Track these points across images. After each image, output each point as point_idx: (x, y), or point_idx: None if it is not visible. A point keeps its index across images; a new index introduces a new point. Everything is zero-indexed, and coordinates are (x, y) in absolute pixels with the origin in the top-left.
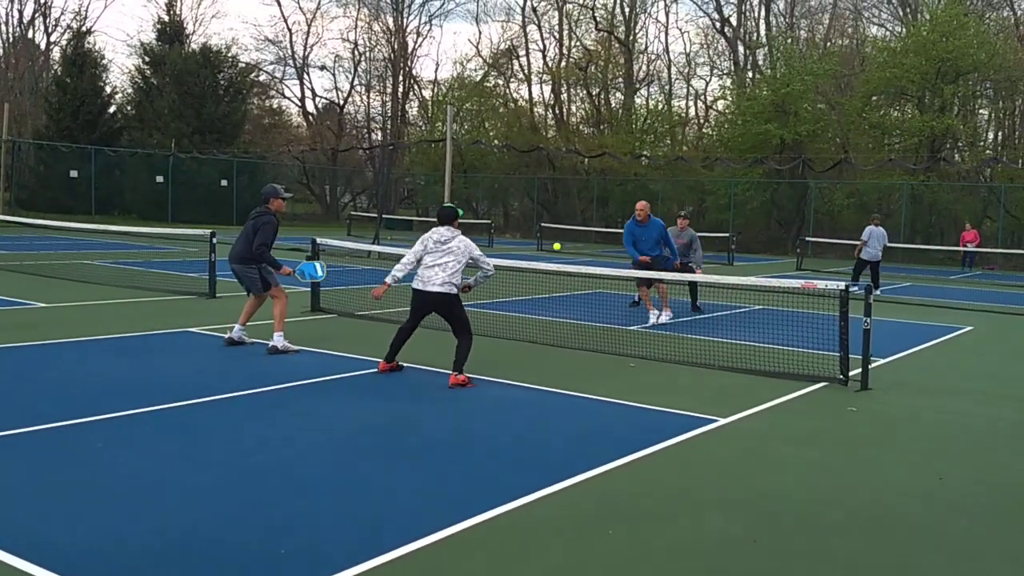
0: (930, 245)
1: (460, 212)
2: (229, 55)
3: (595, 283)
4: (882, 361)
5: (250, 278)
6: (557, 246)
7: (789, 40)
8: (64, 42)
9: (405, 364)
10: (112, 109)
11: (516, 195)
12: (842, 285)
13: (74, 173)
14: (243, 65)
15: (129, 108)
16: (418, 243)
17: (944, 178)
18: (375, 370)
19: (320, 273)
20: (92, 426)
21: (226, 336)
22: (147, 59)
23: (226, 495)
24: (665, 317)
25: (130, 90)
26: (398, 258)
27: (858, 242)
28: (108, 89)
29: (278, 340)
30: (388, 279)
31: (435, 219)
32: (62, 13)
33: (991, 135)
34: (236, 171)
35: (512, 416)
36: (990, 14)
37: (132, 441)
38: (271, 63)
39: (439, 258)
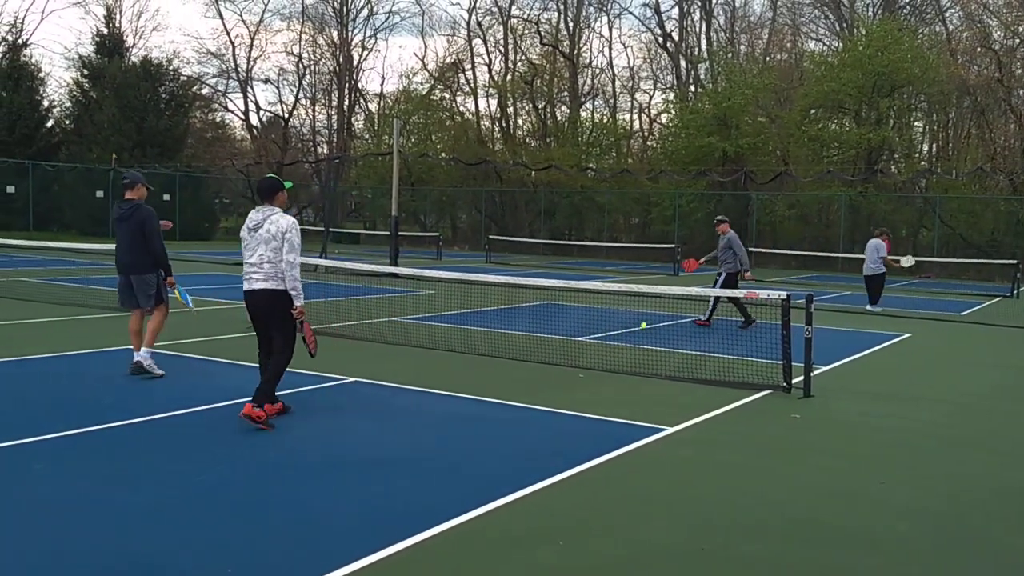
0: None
1: (288, 184)
2: (170, 68)
3: (544, 295)
4: (824, 368)
5: (146, 289)
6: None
7: (729, 55)
8: None
9: (354, 379)
10: (50, 123)
11: (464, 208)
12: (783, 294)
13: (11, 189)
14: (185, 78)
15: (67, 122)
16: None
17: (881, 189)
18: (325, 385)
19: (190, 303)
20: (33, 447)
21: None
22: (86, 72)
23: (165, 517)
24: None
25: (68, 104)
26: (345, 272)
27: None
28: (45, 103)
29: (145, 356)
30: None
31: (383, 232)
32: None
33: (925, 147)
34: (179, 185)
35: (460, 430)
36: (923, 29)
37: (72, 462)
38: (214, 76)
39: (253, 250)
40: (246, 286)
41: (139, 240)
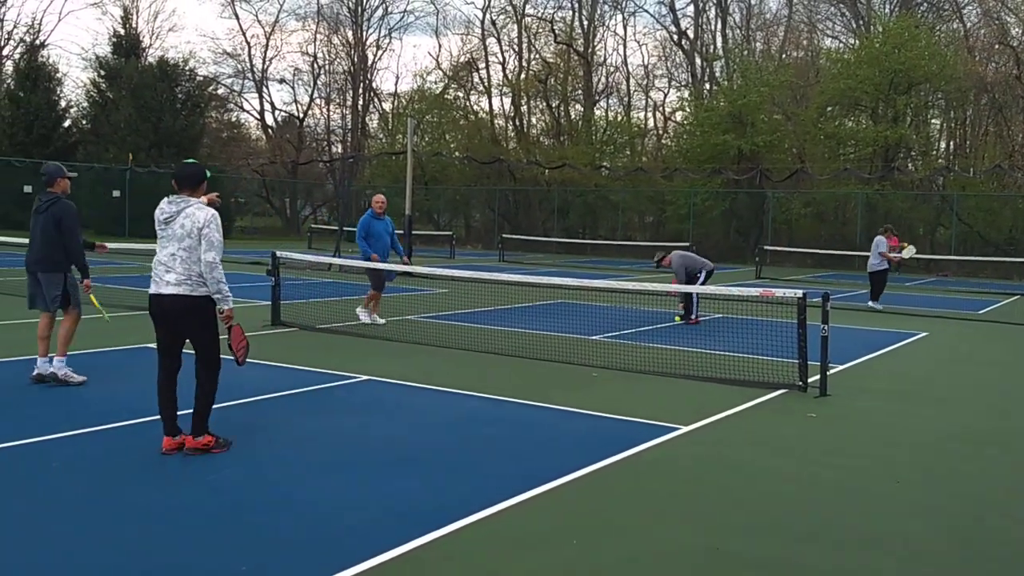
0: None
1: (208, 174)
2: (186, 68)
3: (558, 294)
4: (840, 367)
5: (52, 290)
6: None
7: (745, 52)
8: (17, 56)
9: (368, 377)
10: (67, 123)
11: (477, 206)
12: (800, 293)
13: (28, 188)
14: (201, 78)
15: (84, 122)
16: None
17: (898, 187)
18: (339, 383)
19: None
20: (45, 446)
21: (34, 373)
22: (103, 72)
23: (175, 515)
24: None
25: (85, 104)
26: (358, 270)
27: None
28: (63, 103)
29: (59, 366)
30: None
31: (398, 231)
32: (15, 27)
33: (943, 145)
34: None
35: (472, 429)
36: (940, 26)
37: (83, 461)
38: (229, 76)
39: (163, 247)
40: (153, 288)
41: (51, 235)
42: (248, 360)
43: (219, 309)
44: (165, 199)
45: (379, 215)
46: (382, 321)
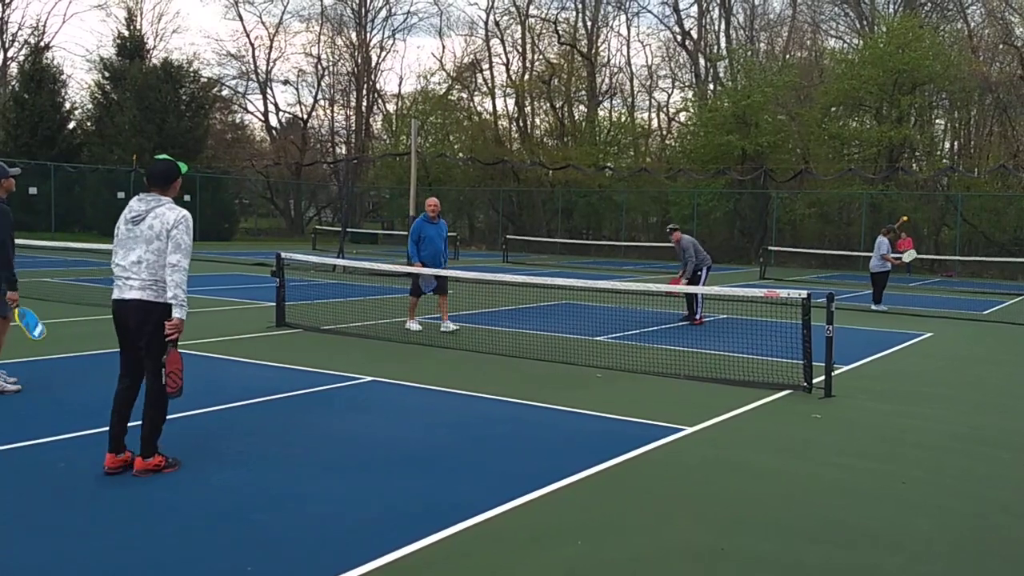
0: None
1: (183, 168)
2: (191, 70)
3: (562, 294)
4: (845, 368)
5: None
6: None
7: (749, 52)
8: (22, 58)
9: (372, 378)
10: (72, 125)
11: (481, 208)
12: (804, 293)
13: (33, 190)
14: (205, 80)
15: (89, 124)
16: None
17: (902, 187)
18: (344, 384)
19: (36, 332)
20: (53, 445)
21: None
22: (107, 74)
23: (182, 516)
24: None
25: (90, 106)
26: (363, 271)
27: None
28: (67, 105)
29: None
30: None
31: (402, 232)
32: (19, 28)
33: (947, 145)
34: (199, 186)
35: (477, 429)
36: (944, 26)
37: (89, 461)
38: (233, 78)
39: (128, 250)
40: (116, 293)
41: None
42: (252, 361)
43: (171, 317)
44: (135, 197)
45: (432, 219)
46: (418, 328)
